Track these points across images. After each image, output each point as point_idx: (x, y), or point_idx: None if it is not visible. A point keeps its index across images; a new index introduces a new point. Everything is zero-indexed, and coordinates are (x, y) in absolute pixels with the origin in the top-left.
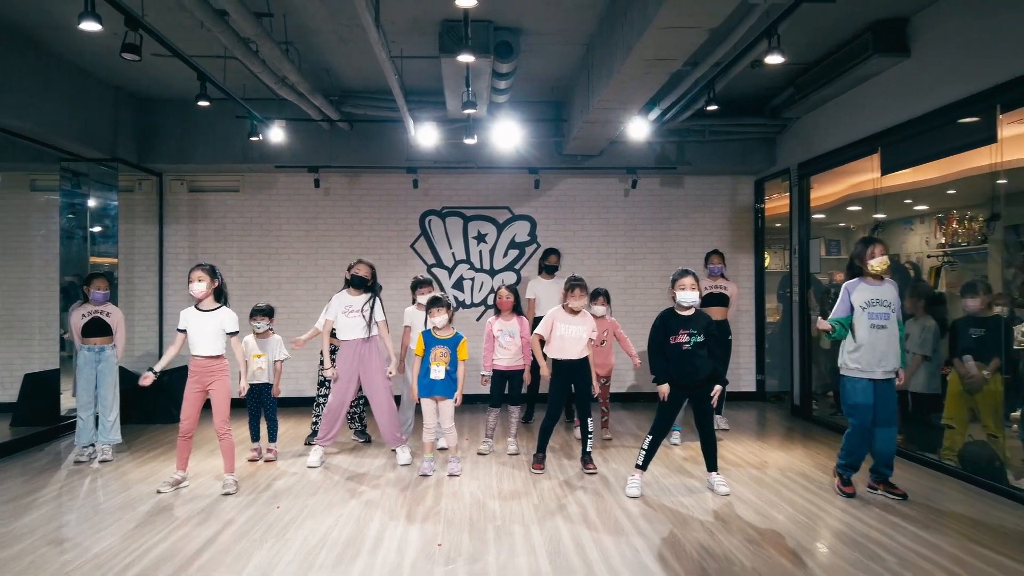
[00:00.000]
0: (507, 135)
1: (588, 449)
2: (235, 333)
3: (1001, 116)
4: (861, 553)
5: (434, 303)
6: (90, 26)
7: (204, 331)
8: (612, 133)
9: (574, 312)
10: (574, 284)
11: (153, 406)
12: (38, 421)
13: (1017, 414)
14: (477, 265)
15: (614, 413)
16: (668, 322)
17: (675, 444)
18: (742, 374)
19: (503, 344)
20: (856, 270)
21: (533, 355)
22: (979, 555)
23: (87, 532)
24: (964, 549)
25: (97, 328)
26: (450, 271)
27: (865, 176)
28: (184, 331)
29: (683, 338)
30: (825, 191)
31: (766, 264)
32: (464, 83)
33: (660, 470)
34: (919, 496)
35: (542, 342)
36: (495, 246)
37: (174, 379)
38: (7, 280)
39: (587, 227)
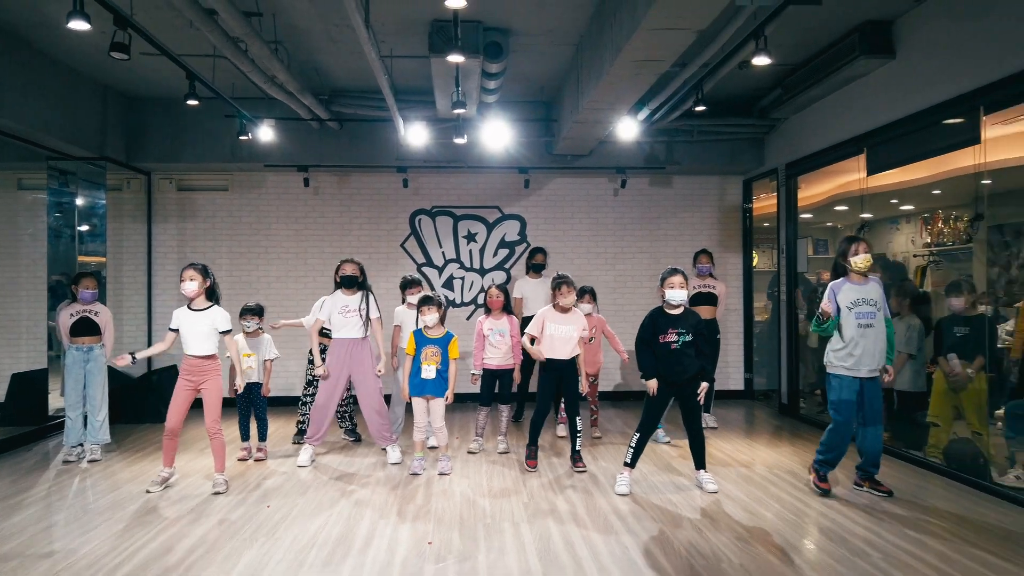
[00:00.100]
0: (497, 135)
1: (577, 448)
2: (229, 331)
3: (984, 117)
4: (848, 550)
5: (425, 302)
6: (78, 25)
7: (196, 330)
8: (601, 133)
9: (564, 311)
10: (560, 281)
11: (142, 406)
12: (26, 421)
13: (1001, 412)
14: (467, 264)
15: (603, 411)
16: (657, 321)
17: (665, 442)
18: (730, 372)
19: (493, 343)
20: (841, 269)
21: (525, 354)
22: (963, 551)
23: (76, 532)
24: (949, 545)
25: (85, 327)
26: (440, 270)
27: (852, 176)
28: (176, 331)
29: (672, 337)
30: (812, 191)
31: (754, 263)
32: (454, 83)
33: (649, 468)
34: (905, 493)
35: (532, 341)
36: (485, 245)
37: (163, 379)
38: None
39: (577, 227)
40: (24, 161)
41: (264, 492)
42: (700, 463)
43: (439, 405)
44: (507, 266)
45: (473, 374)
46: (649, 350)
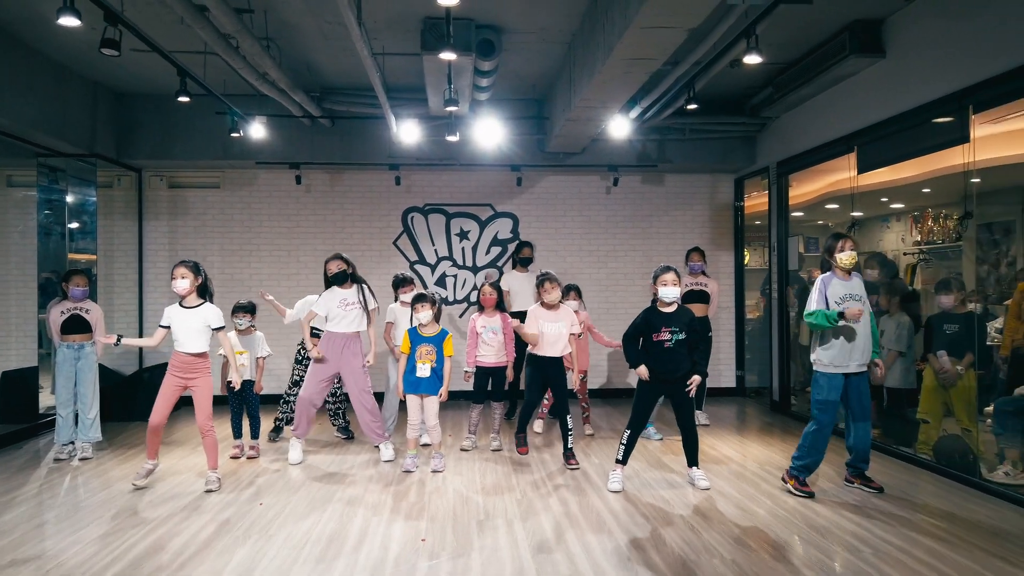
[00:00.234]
0: (489, 133)
1: (570, 445)
2: (222, 328)
3: (974, 116)
4: (839, 545)
5: (419, 299)
6: (69, 21)
7: (188, 328)
8: (594, 131)
9: (552, 308)
10: (543, 278)
11: (133, 403)
12: (16, 419)
13: (990, 409)
14: (460, 262)
15: (593, 409)
16: (650, 319)
17: (658, 439)
18: (722, 370)
19: (486, 341)
20: (826, 265)
21: (518, 351)
22: (953, 546)
23: (67, 530)
24: (939, 541)
25: (76, 325)
26: (433, 268)
27: (842, 174)
28: (167, 327)
29: (665, 335)
30: (803, 189)
31: (745, 261)
32: (446, 80)
33: (641, 465)
34: (895, 489)
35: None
36: (477, 243)
37: (155, 376)
38: None
39: (569, 224)
40: (14, 158)
41: (257, 490)
42: (692, 460)
43: (433, 403)
44: (500, 264)
45: (466, 372)
46: (634, 344)
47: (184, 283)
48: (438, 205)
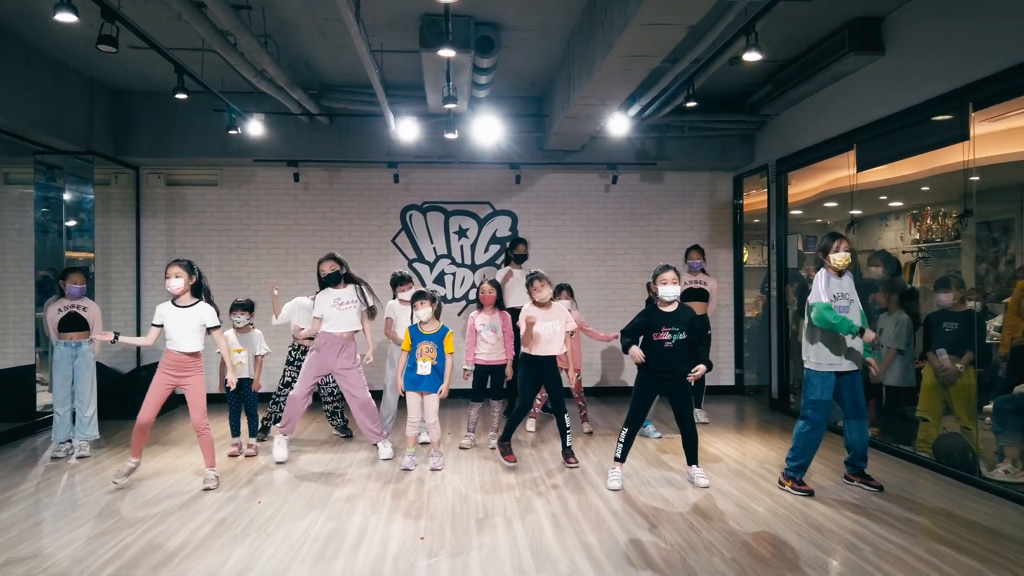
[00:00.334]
0: (488, 130)
1: (568, 443)
2: (218, 327)
3: (973, 114)
4: (839, 544)
5: (419, 296)
6: (65, 17)
7: (183, 327)
8: (593, 129)
9: (545, 306)
10: (532, 277)
11: (131, 401)
12: (13, 417)
13: (990, 407)
14: (458, 260)
15: (590, 407)
16: (652, 319)
17: (657, 438)
18: (721, 368)
19: (485, 338)
20: (819, 263)
21: (516, 349)
22: (953, 544)
23: (65, 528)
24: (938, 539)
25: (73, 323)
26: (431, 266)
27: (841, 172)
28: (160, 326)
29: (665, 335)
30: (802, 187)
31: (744, 259)
32: (445, 78)
33: (640, 463)
34: (894, 487)
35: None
36: (476, 241)
37: (152, 374)
38: None
39: (568, 222)
40: (11, 155)
41: (255, 488)
42: (692, 458)
43: (434, 401)
44: (498, 262)
45: (465, 369)
46: (628, 339)
47: (178, 282)
48: (437, 203)
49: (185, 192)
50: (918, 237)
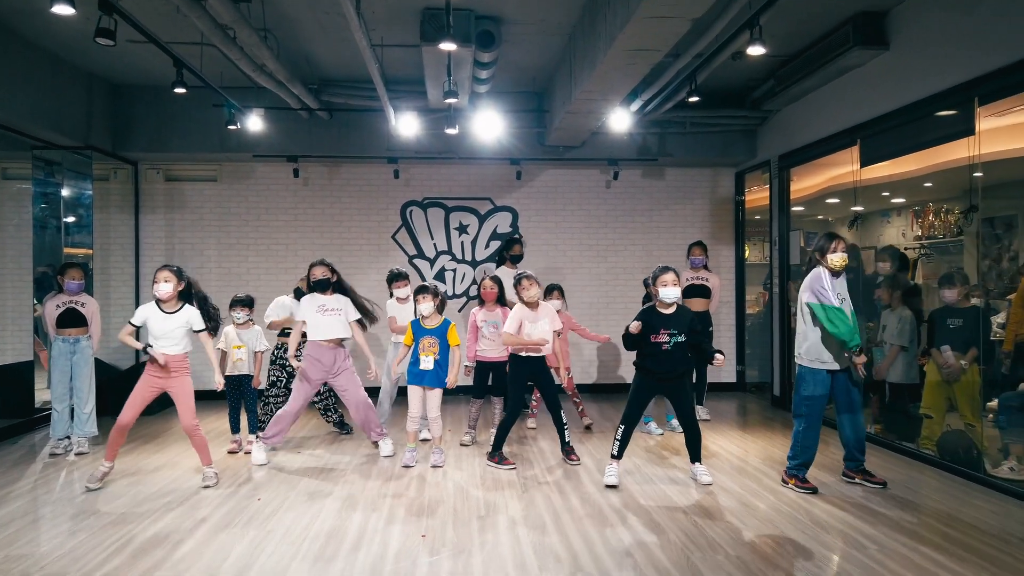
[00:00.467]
0: (489, 125)
1: (567, 440)
2: (204, 329)
3: (979, 109)
4: (844, 542)
5: (421, 291)
6: (63, 9)
7: (167, 330)
8: (594, 124)
9: (534, 307)
10: (520, 276)
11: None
12: (12, 414)
13: (994, 404)
14: (459, 256)
15: (586, 405)
16: (650, 320)
17: (659, 434)
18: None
19: (487, 335)
20: (814, 263)
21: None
22: (957, 541)
23: (63, 525)
24: (943, 536)
25: (72, 319)
26: (432, 262)
27: (845, 168)
28: (137, 327)
29: (663, 337)
30: (805, 183)
31: (745, 256)
32: (445, 72)
33: (642, 460)
34: (898, 485)
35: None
36: (477, 237)
37: None
38: None
39: (569, 218)
40: (9, 150)
41: (254, 485)
42: (695, 456)
43: (436, 396)
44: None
45: (466, 366)
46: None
47: (167, 287)
48: (437, 199)
49: (184, 188)
50: (920, 234)
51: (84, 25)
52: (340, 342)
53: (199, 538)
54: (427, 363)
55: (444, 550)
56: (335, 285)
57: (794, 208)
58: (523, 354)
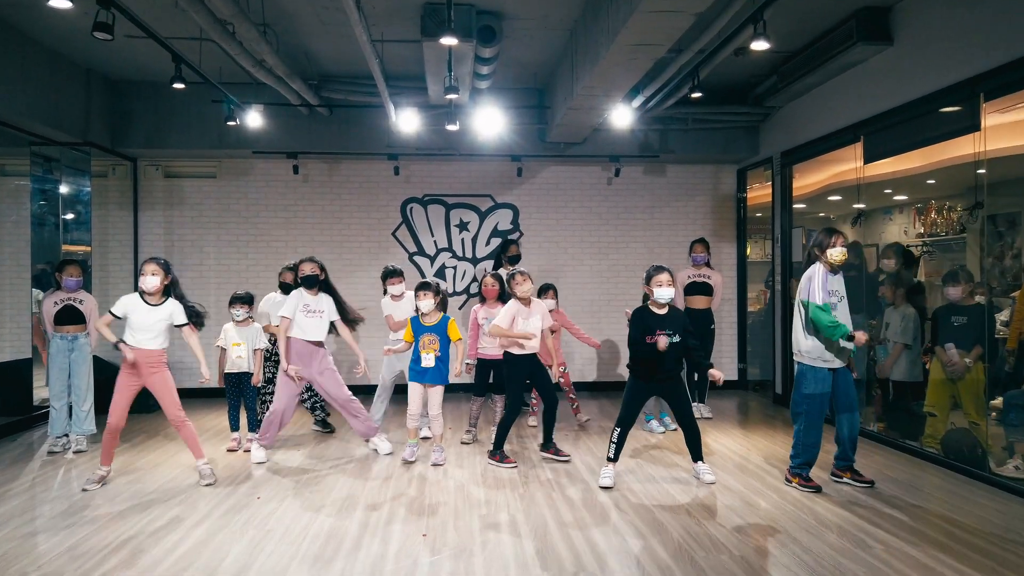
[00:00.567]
0: (489, 122)
1: (551, 436)
2: (186, 324)
3: (984, 104)
4: (849, 540)
5: (422, 287)
6: (60, 3)
7: (149, 323)
8: (595, 120)
9: (525, 303)
10: (514, 273)
11: None
12: (10, 411)
13: (998, 401)
14: (459, 253)
15: (582, 403)
16: (647, 321)
17: (660, 432)
18: (724, 363)
19: (488, 332)
20: (813, 258)
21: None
22: (962, 540)
23: (61, 524)
24: (948, 534)
25: (70, 316)
26: (432, 259)
27: (848, 165)
28: (119, 317)
29: (660, 339)
30: (807, 180)
31: (747, 253)
32: (446, 67)
33: (644, 459)
34: (902, 483)
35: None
36: (477, 234)
37: None
38: None
39: (570, 215)
40: (6, 147)
41: (254, 483)
42: (697, 455)
43: (437, 393)
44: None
45: (467, 363)
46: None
47: (154, 280)
48: (437, 196)
49: (183, 184)
50: (923, 231)
51: (82, 20)
52: (321, 343)
53: (198, 537)
54: (428, 360)
55: (445, 549)
56: (322, 284)
57: (796, 205)
58: (516, 351)
